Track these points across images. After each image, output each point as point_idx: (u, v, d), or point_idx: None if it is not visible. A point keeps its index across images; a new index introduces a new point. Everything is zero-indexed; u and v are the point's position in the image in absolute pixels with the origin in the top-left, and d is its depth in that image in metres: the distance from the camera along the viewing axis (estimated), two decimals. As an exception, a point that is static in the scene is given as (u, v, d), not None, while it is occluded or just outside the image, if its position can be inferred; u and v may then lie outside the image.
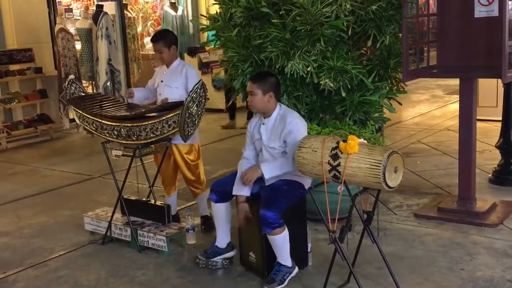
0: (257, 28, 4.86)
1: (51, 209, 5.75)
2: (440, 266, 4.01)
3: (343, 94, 4.79)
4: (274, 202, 3.69)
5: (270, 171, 3.80)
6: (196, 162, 4.79)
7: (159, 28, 12.06)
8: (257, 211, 3.78)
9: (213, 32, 5.36)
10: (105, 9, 9.33)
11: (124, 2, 10.67)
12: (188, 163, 4.75)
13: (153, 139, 4.40)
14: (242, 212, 3.88)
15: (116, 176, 4.79)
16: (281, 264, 3.79)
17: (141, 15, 12.64)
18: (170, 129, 4.29)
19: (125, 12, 10.56)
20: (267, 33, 4.72)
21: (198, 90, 4.18)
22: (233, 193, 3.93)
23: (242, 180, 3.86)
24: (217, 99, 9.95)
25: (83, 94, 4.97)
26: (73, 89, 4.89)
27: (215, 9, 5.73)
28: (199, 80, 4.31)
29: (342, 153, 3.32)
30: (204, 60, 10.71)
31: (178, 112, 4.19)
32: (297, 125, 3.86)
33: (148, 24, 12.83)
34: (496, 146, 5.88)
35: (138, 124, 4.39)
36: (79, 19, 9.97)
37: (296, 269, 3.87)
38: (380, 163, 3.18)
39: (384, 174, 3.18)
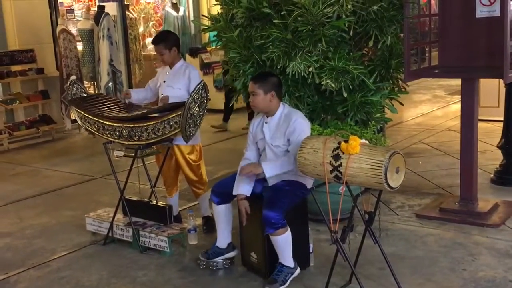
0: (258, 28, 4.86)
1: (53, 209, 5.75)
2: (442, 266, 4.01)
3: (345, 95, 4.78)
4: (276, 202, 3.69)
5: (271, 170, 3.80)
6: (198, 163, 4.79)
7: (160, 28, 12.06)
8: (259, 212, 3.78)
9: (215, 32, 5.35)
10: (106, 9, 9.35)
11: (125, 2, 10.69)
12: (190, 164, 4.75)
13: (155, 140, 4.40)
14: (242, 209, 3.88)
15: (117, 177, 4.79)
16: (283, 265, 3.79)
17: (142, 15, 12.65)
18: (172, 129, 4.29)
19: (127, 12, 10.58)
20: (269, 34, 4.72)
21: (200, 91, 4.18)
22: (234, 193, 3.93)
23: (241, 172, 3.85)
24: (218, 99, 9.96)
25: (85, 95, 4.98)
26: (75, 89, 4.90)
27: (216, 9, 5.73)
28: (201, 81, 4.31)
29: (343, 153, 3.32)
30: (205, 61, 10.71)
31: (179, 112, 4.19)
32: (302, 125, 3.86)
33: (150, 25, 12.84)
34: (497, 146, 5.87)
35: (140, 124, 4.39)
36: (80, 20, 9.99)
37: (298, 270, 3.87)
38: (382, 164, 3.18)
39: (385, 174, 3.18)
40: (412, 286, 3.74)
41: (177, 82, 4.72)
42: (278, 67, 4.78)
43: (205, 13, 11.08)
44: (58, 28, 9.13)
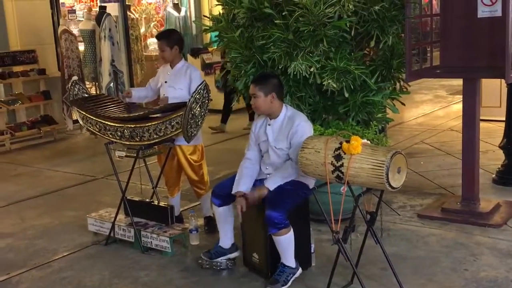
0: (260, 29, 4.86)
1: (55, 210, 5.76)
2: (443, 266, 4.01)
3: (346, 95, 4.78)
4: (279, 202, 3.69)
5: (274, 184, 3.81)
6: (199, 163, 4.79)
7: (162, 29, 12.06)
8: (261, 212, 3.78)
9: (216, 33, 5.36)
10: (108, 10, 9.36)
11: (127, 3, 10.70)
12: (192, 164, 4.75)
13: (156, 140, 4.41)
14: (239, 206, 3.86)
15: (119, 177, 4.80)
16: (285, 265, 3.79)
17: (144, 16, 12.66)
18: (173, 130, 4.30)
19: (128, 13, 10.60)
20: (270, 34, 4.72)
21: (201, 91, 4.18)
22: (232, 192, 3.93)
23: (250, 203, 3.86)
24: (220, 100, 9.95)
25: (87, 95, 4.98)
26: (77, 90, 4.91)
27: (218, 10, 5.74)
28: (202, 81, 4.31)
29: (345, 153, 3.32)
30: (207, 61, 10.72)
31: (181, 113, 4.20)
32: (304, 128, 3.85)
33: (151, 25, 12.84)
34: (499, 147, 5.87)
35: (141, 125, 4.39)
36: (82, 21, 9.99)
37: (300, 270, 3.87)
38: (383, 164, 3.18)
39: (387, 174, 3.18)
40: (414, 286, 3.74)
41: (178, 82, 4.72)
42: (280, 67, 4.78)
43: (207, 14, 11.11)
44: (60, 29, 9.14)
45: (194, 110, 4.18)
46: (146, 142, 4.43)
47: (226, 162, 6.88)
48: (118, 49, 9.30)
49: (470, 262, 4.04)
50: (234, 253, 4.18)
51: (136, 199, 4.88)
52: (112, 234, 4.73)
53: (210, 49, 10.63)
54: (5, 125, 8.73)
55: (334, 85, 4.69)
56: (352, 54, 4.90)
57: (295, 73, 4.68)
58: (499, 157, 5.94)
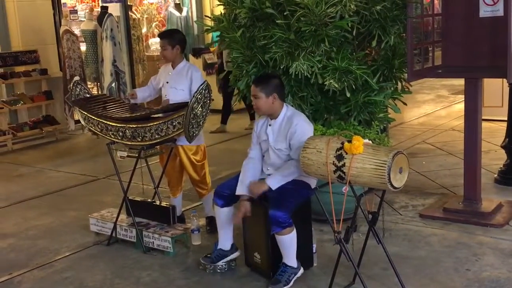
0: (261, 29, 4.86)
1: (57, 210, 5.76)
2: (445, 266, 4.01)
3: (348, 95, 4.78)
4: (283, 202, 3.69)
5: (276, 183, 3.80)
6: (202, 163, 4.79)
7: (163, 29, 12.06)
8: (262, 212, 3.78)
9: (218, 33, 5.36)
10: (109, 10, 9.37)
11: (128, 3, 10.70)
12: (194, 164, 4.75)
13: (158, 140, 4.41)
14: (243, 210, 3.87)
15: (121, 177, 4.80)
16: (287, 265, 3.79)
17: (145, 16, 12.66)
18: (175, 130, 4.30)
19: (130, 13, 10.60)
20: (272, 34, 4.71)
21: (203, 91, 4.18)
22: (237, 192, 3.93)
23: (251, 193, 3.86)
24: (220, 100, 9.96)
25: (88, 96, 4.98)
26: (78, 90, 4.91)
27: (219, 10, 5.73)
28: (204, 81, 4.31)
29: (347, 153, 3.32)
30: (208, 61, 10.71)
31: (183, 113, 4.20)
32: (303, 128, 3.84)
33: (153, 25, 12.85)
34: (501, 146, 5.86)
35: (143, 125, 4.40)
36: (84, 21, 10.01)
37: (301, 270, 3.86)
38: (385, 164, 3.18)
39: (389, 174, 3.17)
40: (415, 286, 3.74)
41: (180, 83, 4.72)
42: (281, 67, 4.78)
43: (208, 14, 11.12)
44: (62, 29, 9.15)
45: (196, 110, 4.18)
46: (147, 142, 4.43)
47: (227, 162, 6.89)
48: (120, 49, 9.31)
49: (472, 262, 4.04)
50: (235, 253, 4.17)
51: (138, 199, 4.89)
52: (114, 234, 4.73)
53: (211, 49, 10.63)
54: (7, 125, 8.74)
55: (336, 85, 4.68)
56: (354, 54, 4.90)
57: (296, 73, 4.68)
58: (501, 157, 5.93)
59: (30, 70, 9.21)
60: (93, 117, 4.68)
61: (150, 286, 4.00)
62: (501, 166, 5.79)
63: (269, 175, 3.92)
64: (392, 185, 3.21)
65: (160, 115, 4.50)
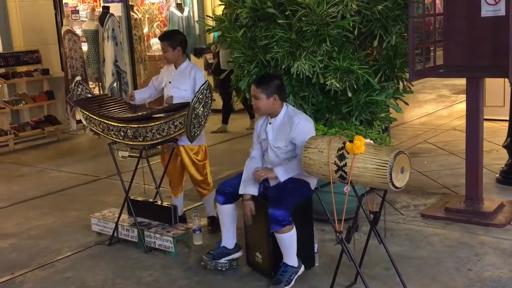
0: (263, 28, 4.86)
1: (58, 210, 5.77)
2: (447, 266, 4.00)
3: (349, 94, 4.78)
4: (283, 200, 3.69)
5: (285, 174, 3.79)
6: (203, 162, 4.80)
7: (165, 29, 12.06)
8: (263, 211, 3.78)
9: (218, 33, 5.35)
10: (111, 10, 9.37)
11: (130, 3, 10.70)
12: (196, 164, 4.75)
13: (160, 140, 4.41)
14: (248, 209, 3.88)
15: (122, 177, 4.80)
16: (288, 265, 3.79)
17: (147, 16, 12.65)
18: (177, 130, 4.30)
19: (131, 13, 10.59)
20: (273, 34, 4.71)
21: (204, 91, 4.18)
22: (240, 192, 3.93)
23: (254, 176, 3.85)
24: (219, 100, 9.96)
25: (90, 96, 4.98)
26: (80, 90, 4.91)
27: (221, 10, 5.74)
28: (205, 81, 4.31)
29: (348, 153, 3.32)
30: (210, 61, 10.70)
31: (184, 113, 4.20)
32: (305, 126, 3.85)
33: (154, 25, 12.84)
34: (503, 146, 5.86)
35: (145, 125, 4.40)
36: (85, 21, 10.00)
37: (302, 268, 3.86)
38: (387, 164, 3.18)
39: (390, 174, 3.17)
40: (417, 286, 3.73)
41: (182, 83, 4.72)
42: (283, 67, 4.78)
43: (210, 14, 11.12)
44: (63, 29, 9.16)
45: (197, 110, 4.18)
46: (149, 142, 4.43)
47: (229, 162, 6.89)
48: (121, 49, 9.31)
49: (474, 262, 4.04)
50: (237, 253, 4.17)
51: (140, 199, 4.89)
52: (115, 234, 4.73)
53: (212, 49, 10.62)
54: (8, 125, 8.74)
55: (337, 85, 4.68)
56: (355, 53, 4.90)
57: (298, 72, 4.68)
58: (503, 157, 5.92)
59: (32, 70, 9.21)
60: (95, 117, 4.68)
61: (152, 286, 4.00)
62: (503, 166, 5.78)
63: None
64: (393, 185, 3.21)
65: (161, 115, 4.50)
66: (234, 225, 4.14)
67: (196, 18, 12.27)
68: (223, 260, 4.12)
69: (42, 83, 9.41)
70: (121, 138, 4.56)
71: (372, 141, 3.77)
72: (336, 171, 3.37)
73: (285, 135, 3.86)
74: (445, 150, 7.07)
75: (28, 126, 8.96)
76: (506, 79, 4.51)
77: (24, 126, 8.94)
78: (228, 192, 4.02)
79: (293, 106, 4.60)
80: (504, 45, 4.35)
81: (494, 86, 7.92)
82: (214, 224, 4.84)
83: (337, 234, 3.44)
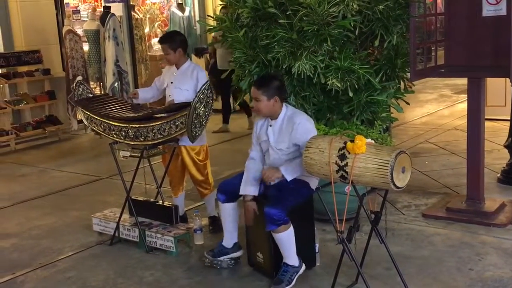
0: (264, 28, 4.86)
1: (60, 210, 5.77)
2: (448, 266, 4.00)
3: (351, 94, 4.78)
4: (280, 200, 3.70)
5: (292, 173, 3.78)
6: (204, 162, 4.80)
7: (166, 29, 12.06)
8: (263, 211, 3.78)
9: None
10: (112, 10, 9.37)
11: (131, 3, 10.70)
12: (197, 163, 4.75)
13: (161, 140, 4.41)
14: (250, 210, 3.88)
15: (124, 177, 4.81)
16: (288, 265, 3.79)
17: (148, 16, 12.66)
18: (178, 130, 4.30)
19: (132, 13, 10.60)
20: (274, 34, 4.71)
21: (205, 91, 4.18)
22: (240, 192, 3.93)
23: (263, 178, 3.83)
24: (219, 100, 9.96)
25: (91, 95, 4.99)
26: (81, 90, 4.92)
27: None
28: (206, 81, 4.32)
29: (349, 153, 3.32)
30: (211, 61, 10.70)
31: (185, 113, 4.20)
32: (306, 126, 3.84)
33: (155, 25, 12.85)
34: (504, 146, 5.85)
35: (146, 125, 4.40)
36: (86, 21, 10.01)
37: (303, 267, 3.86)
38: (388, 163, 3.17)
39: (391, 174, 3.17)
40: (418, 286, 3.73)
41: (184, 83, 4.72)
42: (284, 67, 4.77)
43: (211, 14, 11.12)
44: (64, 29, 9.16)
45: (198, 110, 4.18)
46: (150, 142, 4.43)
47: (230, 162, 6.89)
48: (123, 49, 9.32)
49: (475, 262, 4.03)
50: (237, 252, 4.18)
51: (141, 199, 4.89)
52: (116, 234, 4.74)
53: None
54: (10, 125, 8.75)
55: (339, 85, 4.68)
56: (356, 53, 4.90)
57: (299, 72, 4.68)
58: (504, 156, 5.92)
59: (33, 70, 9.22)
60: (96, 117, 4.68)
61: (153, 286, 4.00)
62: (504, 166, 5.78)
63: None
64: (394, 185, 3.21)
65: (162, 115, 4.50)
66: (235, 224, 4.14)
67: (197, 18, 12.27)
68: (221, 258, 4.14)
69: (43, 83, 9.42)
70: (122, 138, 4.56)
71: (373, 141, 3.77)
72: (337, 171, 3.37)
73: (287, 136, 3.85)
74: (446, 150, 7.07)
75: (30, 126, 8.97)
76: (507, 79, 4.50)
77: (25, 126, 8.94)
78: (229, 191, 4.03)
79: (294, 105, 4.61)
80: (505, 45, 4.34)
81: (495, 86, 7.92)
82: (215, 224, 4.85)
83: (338, 234, 3.44)
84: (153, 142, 4.43)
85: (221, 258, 4.14)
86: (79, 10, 10.99)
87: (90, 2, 11.77)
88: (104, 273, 4.24)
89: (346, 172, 3.33)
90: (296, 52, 4.69)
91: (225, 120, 9.25)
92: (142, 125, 4.41)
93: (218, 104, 9.29)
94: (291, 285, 3.76)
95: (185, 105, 4.32)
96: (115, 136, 4.61)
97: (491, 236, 4.46)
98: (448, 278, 3.82)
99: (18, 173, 7.41)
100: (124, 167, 4.97)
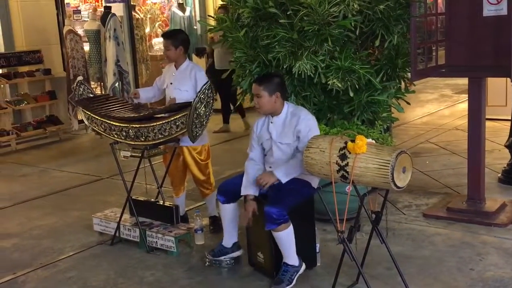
0: (264, 28, 4.86)
1: (60, 210, 5.77)
2: (449, 266, 4.00)
3: (351, 94, 4.77)
4: (280, 199, 3.70)
5: (286, 175, 3.78)
6: (206, 162, 4.80)
7: (167, 29, 12.07)
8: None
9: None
10: (113, 10, 9.37)
11: (132, 3, 10.71)
12: (199, 163, 4.76)
13: (161, 140, 4.41)
14: (250, 210, 3.88)
15: (124, 177, 4.81)
16: (288, 264, 3.79)
17: (149, 16, 12.66)
18: (178, 130, 4.30)
19: (133, 13, 10.60)
20: (275, 34, 4.71)
21: (206, 91, 4.18)
22: (242, 193, 3.93)
23: (258, 183, 3.84)
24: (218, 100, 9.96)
25: (92, 95, 4.99)
26: (82, 90, 4.92)
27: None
28: (207, 81, 4.32)
29: (350, 153, 3.31)
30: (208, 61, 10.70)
31: (186, 113, 4.20)
32: (310, 121, 3.87)
33: (156, 25, 12.85)
34: (505, 145, 5.85)
35: (146, 125, 4.40)
36: (87, 21, 10.01)
37: (304, 266, 3.86)
38: (389, 163, 3.17)
39: (392, 174, 3.17)
40: (419, 286, 3.73)
41: (184, 84, 4.72)
42: (284, 66, 4.77)
43: (211, 13, 11.11)
44: (65, 29, 9.16)
45: (199, 110, 4.18)
46: (151, 142, 4.43)
47: (231, 162, 6.89)
48: (123, 49, 9.31)
49: (476, 262, 4.03)
50: (236, 252, 4.19)
51: (141, 199, 4.89)
52: (117, 234, 4.74)
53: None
54: (11, 125, 8.75)
55: (339, 85, 4.68)
56: (357, 53, 4.90)
57: (299, 72, 4.68)
58: (505, 156, 5.91)
59: (33, 70, 9.22)
60: (97, 117, 4.69)
61: (154, 286, 4.00)
62: (505, 166, 5.78)
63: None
64: (395, 185, 3.21)
65: (163, 115, 4.50)
66: (234, 224, 4.15)
67: (198, 18, 12.27)
68: (221, 258, 4.15)
69: (44, 83, 9.42)
70: (123, 138, 4.56)
71: (373, 141, 3.77)
72: (338, 171, 3.37)
73: (291, 129, 3.85)
74: (447, 150, 7.07)
75: (30, 126, 8.97)
76: (508, 79, 4.50)
77: (26, 126, 8.94)
78: (229, 191, 4.03)
79: (295, 105, 4.60)
80: (506, 45, 4.34)
81: (496, 86, 7.92)
82: (216, 224, 4.85)
83: (339, 234, 3.44)
84: (153, 142, 4.43)
85: (221, 258, 4.15)
86: (79, 10, 11.00)
87: (90, 2, 11.78)
88: (104, 273, 4.24)
89: (347, 172, 3.33)
90: (297, 52, 4.69)
91: (226, 120, 9.25)
92: (143, 125, 4.41)
93: (218, 104, 9.28)
94: (291, 285, 3.76)
95: (185, 105, 4.32)
96: (115, 136, 4.61)
97: (492, 236, 4.46)
98: (448, 278, 3.82)
99: (19, 173, 7.41)
100: (124, 167, 4.97)
